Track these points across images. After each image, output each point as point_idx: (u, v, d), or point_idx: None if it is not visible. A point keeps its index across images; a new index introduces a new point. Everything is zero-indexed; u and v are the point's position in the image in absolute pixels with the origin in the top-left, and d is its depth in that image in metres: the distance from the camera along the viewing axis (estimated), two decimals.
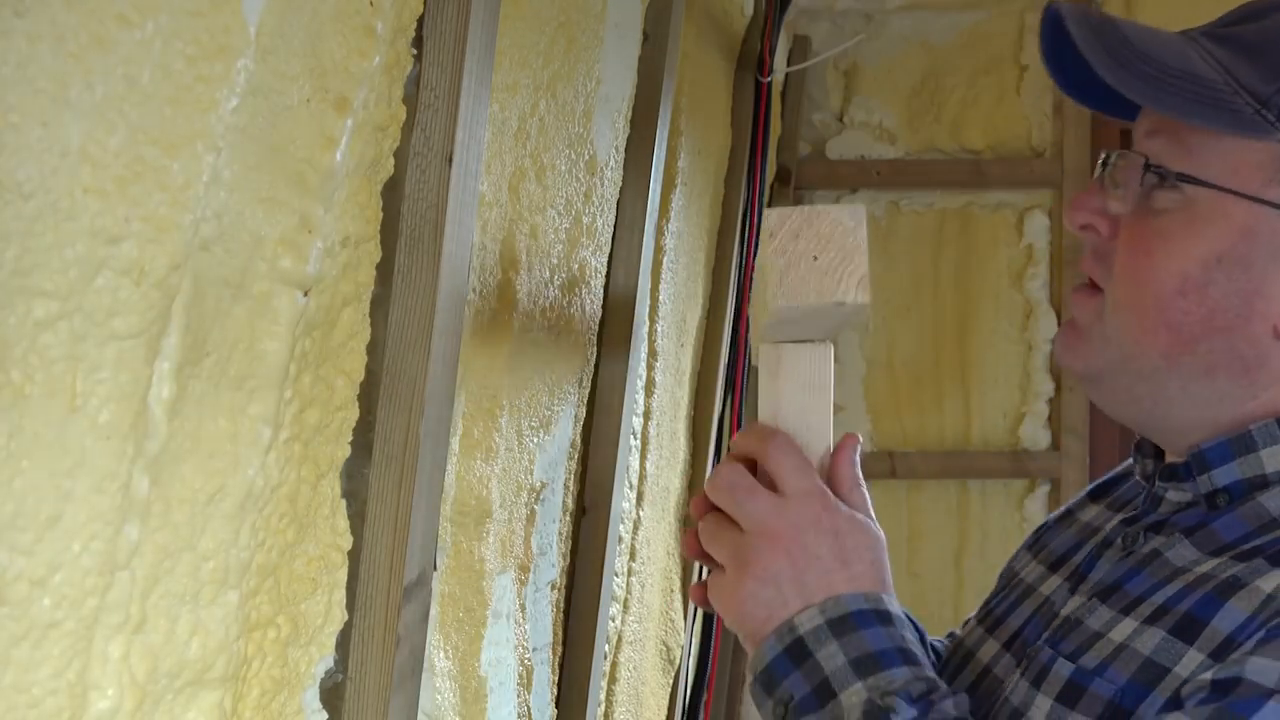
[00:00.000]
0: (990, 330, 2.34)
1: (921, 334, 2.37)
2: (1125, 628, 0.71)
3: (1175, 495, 0.76)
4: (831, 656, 0.74)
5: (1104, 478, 0.93)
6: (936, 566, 2.34)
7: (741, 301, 1.86)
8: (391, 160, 0.74)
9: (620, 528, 1.40)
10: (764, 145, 1.87)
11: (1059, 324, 2.27)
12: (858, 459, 0.84)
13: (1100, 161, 0.79)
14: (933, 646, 1.04)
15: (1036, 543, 0.94)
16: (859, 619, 0.74)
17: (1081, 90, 0.78)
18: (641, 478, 1.54)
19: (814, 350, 0.83)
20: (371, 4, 0.67)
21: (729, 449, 0.82)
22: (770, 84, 1.85)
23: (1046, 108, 2.31)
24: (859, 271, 0.72)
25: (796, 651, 0.75)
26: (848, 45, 2.25)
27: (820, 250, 0.73)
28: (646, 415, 1.53)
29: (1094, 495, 0.91)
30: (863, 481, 0.85)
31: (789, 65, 2.23)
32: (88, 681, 0.52)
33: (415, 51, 0.74)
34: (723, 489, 0.79)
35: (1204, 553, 0.71)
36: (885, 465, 2.33)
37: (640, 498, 1.54)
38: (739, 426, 1.90)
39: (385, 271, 0.75)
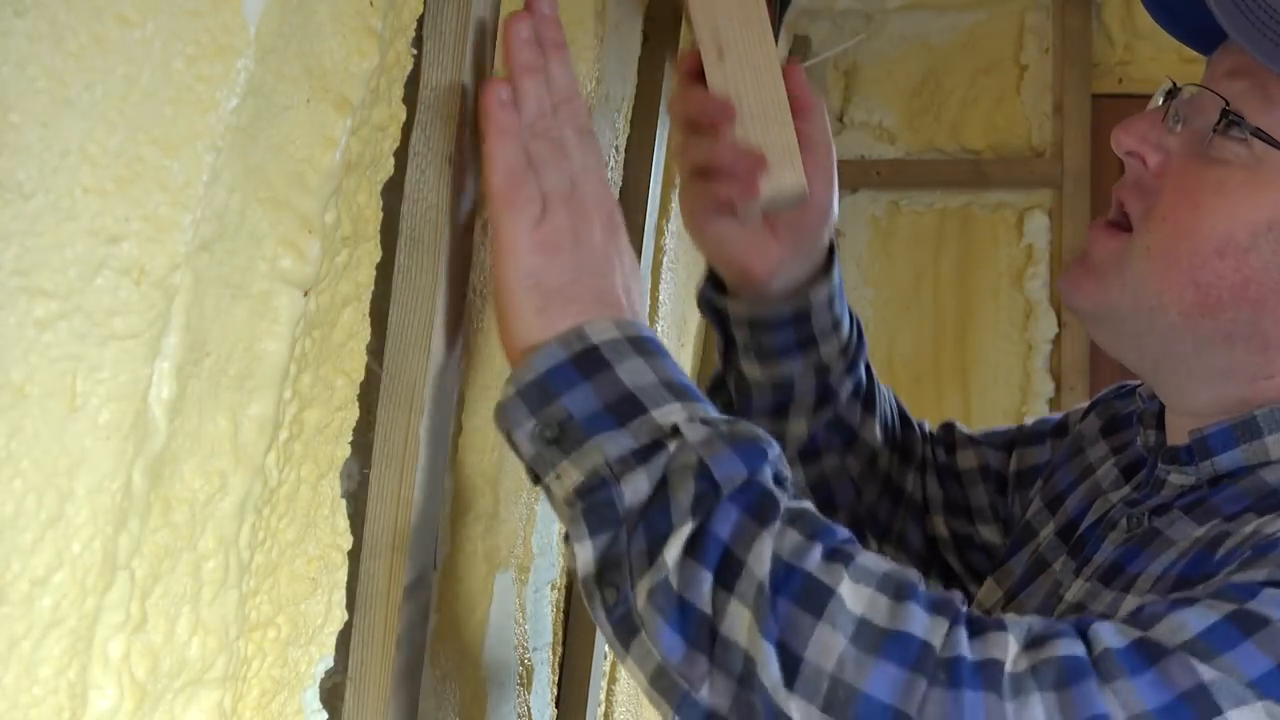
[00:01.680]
0: (990, 330, 2.34)
1: (921, 334, 2.37)
2: (1128, 605, 0.69)
3: (1178, 479, 0.74)
4: (639, 372, 0.65)
5: (1115, 408, 0.90)
6: None
7: None
8: (391, 160, 0.74)
9: None
10: None
11: (1059, 325, 2.27)
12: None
13: (1166, 90, 0.74)
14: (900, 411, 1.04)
15: (1049, 481, 0.92)
16: (657, 346, 0.67)
17: (1166, 8, 0.73)
18: None
19: None
20: (371, 4, 0.67)
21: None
22: None
23: (1046, 108, 2.31)
24: None
25: (587, 362, 0.65)
26: (848, 45, 2.25)
27: None
28: None
29: (1105, 430, 0.89)
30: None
31: None
32: (88, 681, 0.52)
33: (415, 51, 0.74)
34: (577, 124, 0.71)
35: (1202, 526, 0.69)
36: None
37: None
38: None
39: (385, 271, 0.75)
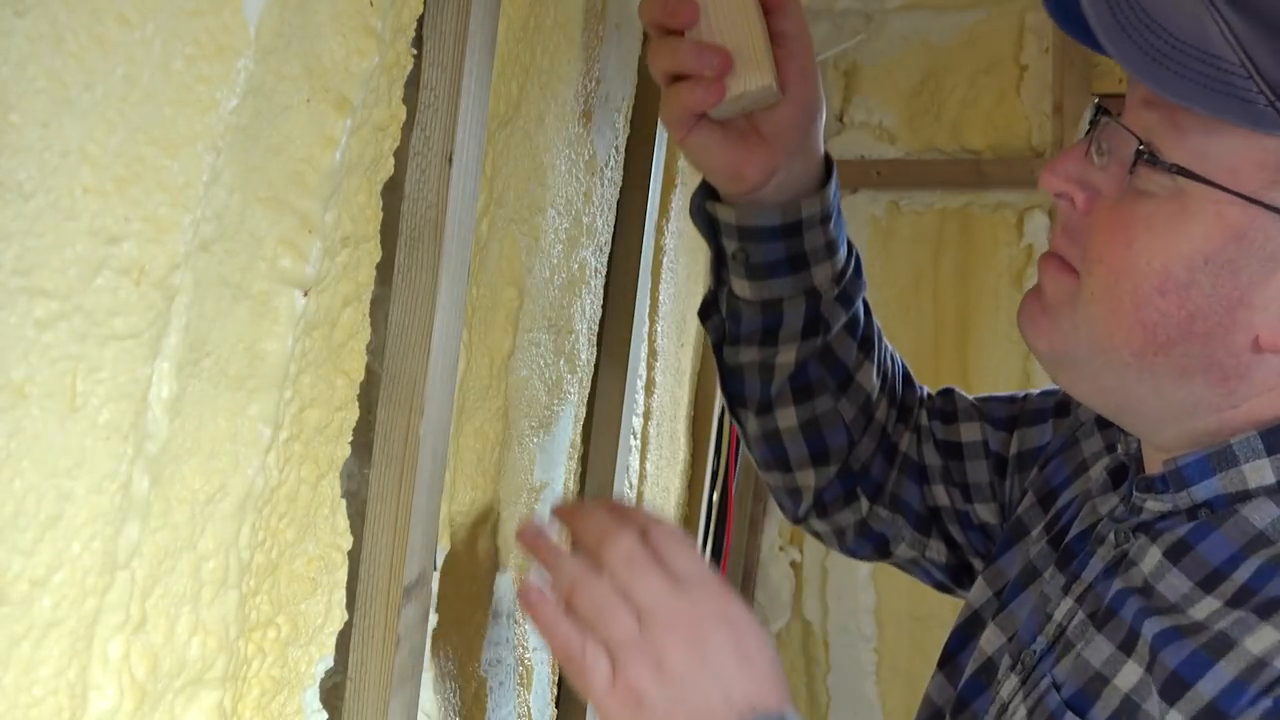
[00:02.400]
0: (990, 330, 2.33)
1: (921, 334, 2.36)
2: (1129, 675, 0.66)
3: (1155, 505, 0.72)
4: None
5: None
6: None
7: None
8: (391, 160, 0.74)
9: None
10: None
11: None
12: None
13: (1090, 119, 0.72)
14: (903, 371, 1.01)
15: (1043, 470, 0.90)
16: None
17: (1081, 27, 0.70)
18: (641, 478, 1.54)
19: None
20: (371, 4, 0.67)
21: (597, 518, 0.75)
22: None
23: (1046, 108, 2.30)
24: None
25: None
26: (848, 45, 2.25)
27: None
28: (646, 415, 1.53)
29: (1101, 421, 0.87)
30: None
31: None
32: (88, 681, 0.52)
33: (415, 51, 0.74)
34: (621, 558, 0.70)
35: (1194, 582, 0.67)
36: None
37: (640, 498, 1.54)
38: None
39: (385, 271, 0.75)
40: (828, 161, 0.92)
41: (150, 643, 0.56)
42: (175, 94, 0.51)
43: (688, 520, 1.81)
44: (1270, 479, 0.67)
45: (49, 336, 0.47)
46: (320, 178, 0.65)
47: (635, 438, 1.50)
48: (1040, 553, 0.83)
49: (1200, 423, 0.69)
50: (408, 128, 0.75)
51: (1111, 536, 0.75)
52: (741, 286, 0.93)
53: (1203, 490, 0.69)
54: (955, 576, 1.02)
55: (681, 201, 1.57)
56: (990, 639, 0.82)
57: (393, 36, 0.70)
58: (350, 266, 0.71)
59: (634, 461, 1.50)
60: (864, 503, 1.00)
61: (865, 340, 0.98)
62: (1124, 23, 0.64)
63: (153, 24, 0.49)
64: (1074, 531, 0.80)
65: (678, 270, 1.60)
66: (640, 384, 1.48)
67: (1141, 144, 0.66)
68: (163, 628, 0.57)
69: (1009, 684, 0.76)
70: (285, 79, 0.61)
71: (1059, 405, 0.96)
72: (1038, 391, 1.01)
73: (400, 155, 0.75)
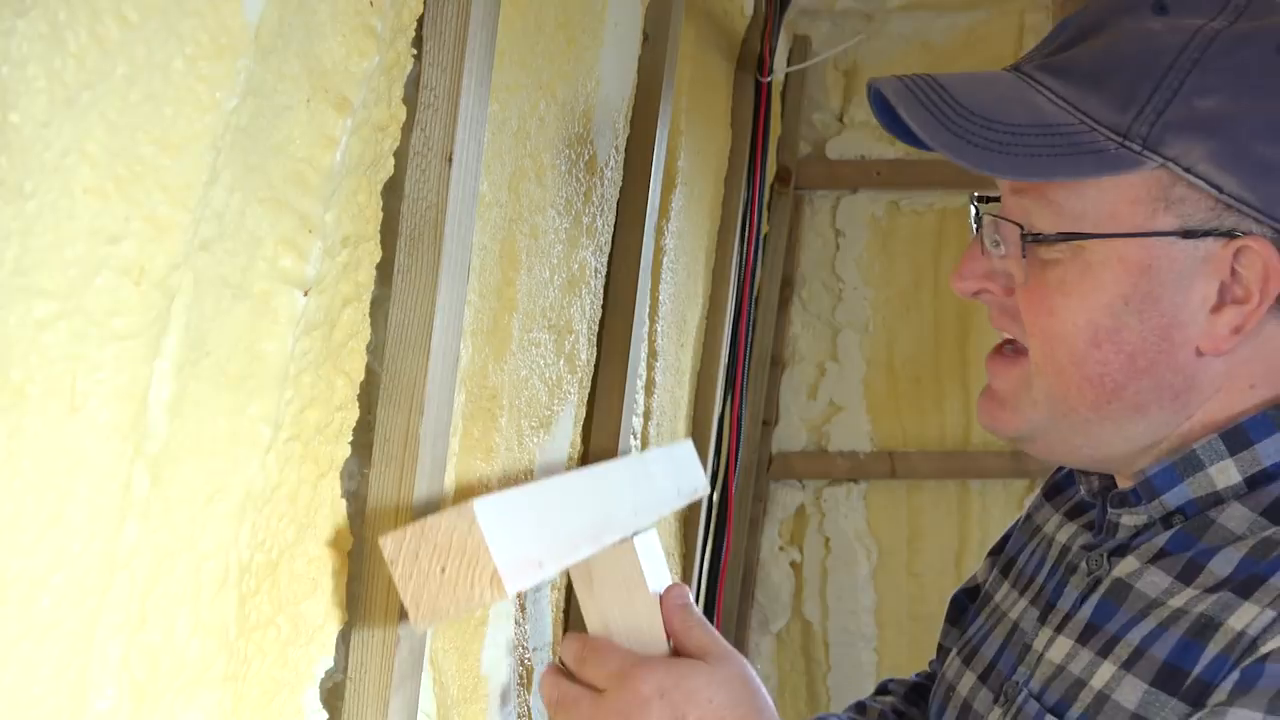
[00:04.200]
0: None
1: (921, 334, 2.36)
2: (1104, 673, 0.68)
3: (1130, 520, 0.74)
4: None
5: (1057, 474, 0.92)
6: (936, 566, 2.34)
7: (741, 301, 1.86)
8: (391, 160, 0.74)
9: None
10: (764, 145, 1.86)
11: None
12: (689, 601, 0.84)
13: (973, 217, 0.75)
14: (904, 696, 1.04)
15: (1003, 553, 0.93)
16: None
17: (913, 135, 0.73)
18: None
19: (620, 550, 0.84)
20: (371, 4, 0.67)
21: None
22: (770, 84, 1.85)
23: None
24: (487, 569, 0.68)
25: None
26: (848, 45, 2.25)
27: (445, 561, 0.69)
28: (646, 415, 1.53)
29: (1048, 494, 0.90)
30: (702, 621, 0.83)
31: (789, 65, 2.23)
32: (88, 681, 0.52)
33: (415, 51, 0.74)
34: (553, 706, 0.81)
35: (1173, 576, 0.69)
36: (885, 465, 2.33)
37: None
38: (739, 426, 1.90)
39: (385, 271, 0.75)
40: None
41: (150, 643, 0.56)
42: (175, 94, 0.51)
43: (688, 521, 1.81)
44: (1236, 478, 0.69)
45: (49, 336, 0.47)
46: (320, 178, 0.65)
47: (635, 438, 1.50)
48: (1009, 600, 0.85)
49: (1166, 444, 0.72)
50: (408, 128, 0.75)
51: (1084, 564, 0.76)
52: None
53: (1174, 497, 0.71)
54: None
55: (682, 201, 1.57)
56: (966, 684, 0.83)
57: (393, 36, 0.70)
58: (350, 266, 0.71)
59: None
60: None
61: None
62: (963, 134, 0.67)
63: (153, 24, 0.49)
64: (1044, 570, 0.82)
65: (678, 270, 1.60)
66: (640, 384, 1.48)
67: (1024, 229, 0.70)
68: (163, 628, 0.57)
69: (993, 717, 0.77)
70: (285, 79, 0.61)
71: (993, 551, 0.99)
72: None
73: (400, 155, 0.75)
